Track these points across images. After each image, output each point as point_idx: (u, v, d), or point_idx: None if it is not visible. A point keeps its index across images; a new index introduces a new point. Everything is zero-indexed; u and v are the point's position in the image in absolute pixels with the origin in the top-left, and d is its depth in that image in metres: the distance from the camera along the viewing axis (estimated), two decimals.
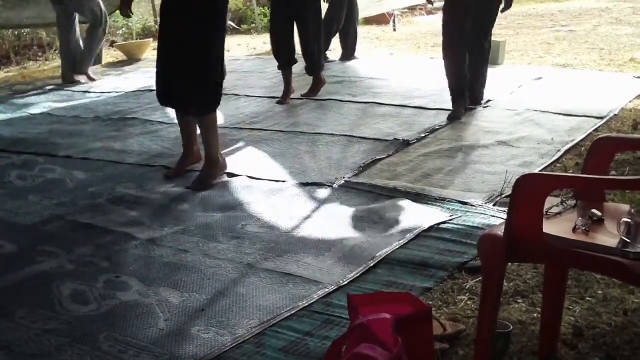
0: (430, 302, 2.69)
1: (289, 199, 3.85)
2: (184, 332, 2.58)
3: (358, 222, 3.49)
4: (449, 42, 5.36)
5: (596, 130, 4.82)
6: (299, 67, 6.20)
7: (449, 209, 3.58)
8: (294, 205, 3.76)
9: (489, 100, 5.66)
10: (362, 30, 9.22)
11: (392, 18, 10.65)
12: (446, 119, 5.28)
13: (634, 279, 1.91)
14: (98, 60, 7.65)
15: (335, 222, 3.51)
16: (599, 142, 2.31)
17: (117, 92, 6.91)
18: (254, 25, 11.25)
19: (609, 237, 1.94)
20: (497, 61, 6.95)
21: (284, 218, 3.58)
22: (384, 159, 4.42)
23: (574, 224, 2.01)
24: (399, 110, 5.62)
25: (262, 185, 4.07)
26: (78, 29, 7.41)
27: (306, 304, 2.73)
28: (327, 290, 2.83)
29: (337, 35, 7.83)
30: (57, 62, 8.20)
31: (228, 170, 4.23)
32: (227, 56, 8.73)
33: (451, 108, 5.39)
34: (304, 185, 4.02)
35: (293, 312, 2.68)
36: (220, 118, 4.29)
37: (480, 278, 2.35)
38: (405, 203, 3.66)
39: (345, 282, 2.89)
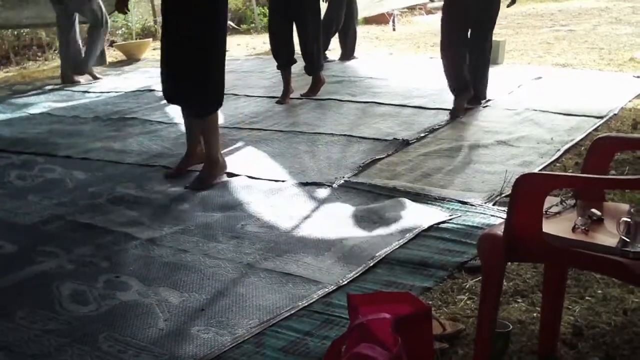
0: (430, 302, 2.69)
1: (288, 199, 3.85)
2: (183, 332, 2.58)
3: (357, 221, 3.50)
4: (448, 42, 5.36)
5: (596, 129, 4.82)
6: (298, 67, 6.20)
7: (448, 208, 3.58)
8: (294, 205, 3.76)
9: (488, 100, 5.67)
10: (361, 30, 9.23)
11: (392, 17, 10.65)
12: (448, 113, 5.31)
13: (633, 278, 1.91)
14: (102, 61, 7.63)
15: (334, 221, 3.51)
16: (599, 142, 2.31)
17: (116, 92, 6.91)
18: (253, 25, 11.25)
19: (608, 237, 1.94)
20: (496, 61, 6.95)
21: (284, 218, 3.58)
22: (383, 158, 4.42)
23: (574, 223, 2.01)
24: (398, 109, 5.62)
25: (262, 184, 4.07)
26: (78, 29, 7.41)
27: (306, 304, 2.73)
28: (326, 289, 2.83)
29: (337, 34, 7.83)
30: (57, 62, 8.20)
31: (227, 170, 4.23)
32: (227, 56, 8.77)
33: (451, 107, 5.40)
34: (303, 184, 4.02)
35: (292, 311, 2.68)
36: (220, 118, 4.28)
37: (480, 277, 2.35)
38: (404, 202, 3.66)
39: (345, 282, 2.89)
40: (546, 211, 2.07)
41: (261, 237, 3.37)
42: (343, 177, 4.09)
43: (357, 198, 3.80)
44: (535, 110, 5.39)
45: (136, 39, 9.97)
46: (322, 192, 3.91)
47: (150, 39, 9.79)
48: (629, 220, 1.90)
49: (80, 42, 7.43)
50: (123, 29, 10.37)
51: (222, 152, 4.26)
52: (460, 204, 3.62)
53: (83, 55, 7.47)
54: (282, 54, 6.02)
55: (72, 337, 2.57)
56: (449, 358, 2.36)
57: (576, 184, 2.32)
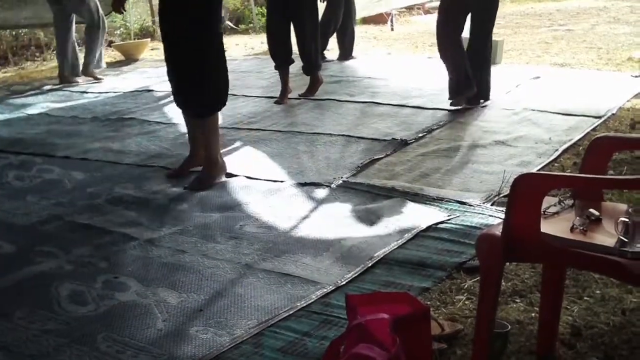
0: (428, 302, 2.69)
1: (286, 199, 3.85)
2: (182, 333, 2.58)
3: (356, 222, 3.50)
4: (450, 41, 5.37)
5: (594, 129, 4.82)
6: (296, 67, 6.20)
7: (446, 208, 3.58)
8: (292, 205, 3.76)
9: (486, 100, 5.66)
10: (359, 30, 9.22)
11: (390, 17, 10.65)
12: (449, 104, 5.43)
13: (631, 278, 1.91)
14: (98, 66, 7.62)
15: (333, 222, 3.51)
16: (597, 142, 2.31)
17: (114, 92, 6.91)
18: (251, 24, 11.25)
19: (606, 237, 1.94)
20: (494, 60, 6.92)
21: (282, 218, 3.58)
22: (381, 158, 4.42)
23: (572, 223, 2.01)
24: (396, 109, 5.62)
25: (260, 185, 4.07)
26: (74, 30, 7.41)
27: (304, 304, 2.73)
28: (325, 290, 2.83)
29: (335, 34, 7.83)
30: (55, 62, 8.20)
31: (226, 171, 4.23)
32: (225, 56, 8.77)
33: (448, 106, 5.42)
34: (301, 185, 4.02)
35: (291, 312, 2.68)
36: (219, 118, 4.28)
37: (478, 278, 2.35)
38: (403, 203, 3.66)
39: (343, 282, 2.89)
40: (544, 211, 2.07)
41: (260, 238, 3.37)
42: (341, 178, 4.09)
43: (355, 198, 3.80)
44: (534, 110, 5.39)
45: (134, 39, 9.96)
46: (321, 193, 3.91)
47: (149, 39, 9.78)
48: (627, 220, 1.90)
49: (76, 43, 7.43)
50: (121, 29, 10.37)
51: (221, 152, 4.26)
52: (458, 204, 3.62)
53: (79, 56, 7.47)
54: (279, 54, 6.02)
55: (70, 338, 2.57)
56: (448, 358, 2.36)
57: (574, 184, 2.32)
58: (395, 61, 7.86)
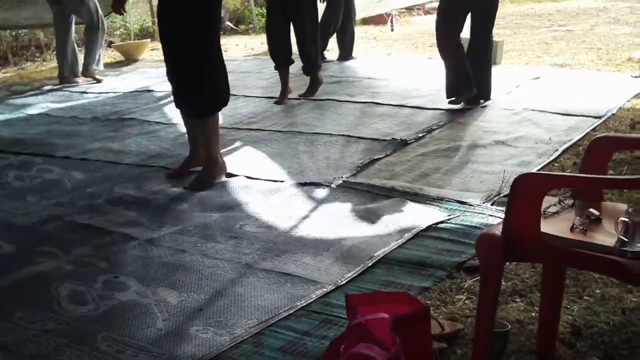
0: (428, 302, 2.69)
1: (286, 199, 3.85)
2: (182, 332, 2.58)
3: (356, 221, 3.50)
4: (449, 41, 5.38)
5: (594, 129, 4.82)
6: (295, 67, 6.20)
7: (446, 208, 3.59)
8: (292, 205, 3.76)
9: (487, 100, 5.66)
10: (359, 30, 9.23)
11: (390, 18, 10.65)
12: (447, 102, 5.47)
13: (631, 278, 1.91)
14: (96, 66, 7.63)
15: (333, 221, 3.51)
16: (597, 142, 2.31)
17: (114, 93, 6.91)
18: (251, 25, 11.25)
19: (606, 236, 1.94)
20: (494, 61, 6.91)
21: (282, 218, 3.59)
22: (381, 158, 4.42)
23: (572, 223, 2.01)
24: (396, 109, 5.62)
25: (260, 185, 4.07)
26: (74, 30, 7.41)
27: (304, 304, 2.73)
28: (325, 289, 2.83)
29: (335, 35, 7.83)
30: (55, 62, 8.20)
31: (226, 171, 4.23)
32: (225, 56, 8.77)
33: (447, 106, 5.43)
34: (301, 185, 4.02)
35: (291, 311, 2.68)
36: (219, 118, 4.28)
37: (478, 277, 2.35)
38: (403, 203, 3.66)
39: (343, 282, 2.89)
40: (544, 211, 2.07)
41: (260, 237, 3.37)
42: (341, 177, 4.09)
43: (355, 198, 3.80)
44: (534, 110, 5.39)
45: (134, 39, 9.97)
46: (321, 192, 3.91)
47: (149, 40, 9.79)
48: (627, 220, 1.90)
49: (75, 43, 7.43)
50: (121, 29, 10.38)
51: (221, 152, 4.26)
52: (458, 204, 3.63)
53: (78, 56, 7.47)
54: (279, 55, 6.02)
55: (70, 338, 2.57)
56: (448, 358, 2.36)
57: (574, 183, 2.32)
58: (395, 62, 7.86)
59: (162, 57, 4.17)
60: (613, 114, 5.19)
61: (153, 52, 9.29)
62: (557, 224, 2.04)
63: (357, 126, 5.18)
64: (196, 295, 2.85)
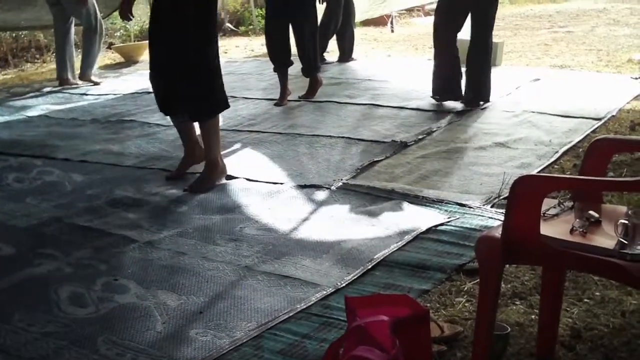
0: (428, 304, 2.69)
1: (286, 201, 3.85)
2: (181, 335, 2.58)
3: (356, 224, 3.50)
4: (445, 42, 5.42)
5: (594, 131, 4.82)
6: (295, 69, 6.20)
7: (446, 210, 3.59)
8: (292, 208, 3.76)
9: (486, 102, 5.66)
10: (359, 32, 9.23)
11: (390, 19, 10.65)
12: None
13: (631, 281, 1.91)
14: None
15: (332, 224, 3.51)
16: (597, 144, 2.31)
17: (114, 94, 6.91)
18: (251, 26, 11.24)
19: (606, 239, 1.94)
20: (494, 62, 6.91)
21: (282, 220, 3.58)
22: (381, 160, 4.42)
23: (571, 225, 2.01)
24: (396, 111, 5.62)
25: (260, 187, 4.07)
26: (73, 32, 7.41)
27: (304, 307, 2.73)
28: (324, 292, 2.83)
29: (334, 36, 7.83)
30: (55, 64, 8.20)
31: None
32: (225, 58, 8.77)
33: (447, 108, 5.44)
34: (301, 187, 4.02)
35: (291, 314, 2.68)
36: (219, 120, 4.28)
37: (478, 280, 2.35)
38: (402, 205, 3.66)
39: (343, 284, 2.89)
40: (544, 213, 2.07)
41: (259, 240, 3.37)
42: (341, 180, 4.09)
43: (355, 200, 3.80)
44: (533, 112, 5.40)
45: (134, 41, 9.97)
46: (321, 195, 3.91)
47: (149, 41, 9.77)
48: (626, 222, 1.90)
49: (73, 45, 7.43)
50: (121, 31, 10.37)
51: (221, 154, 4.25)
52: (458, 206, 3.63)
53: (76, 59, 7.47)
54: (278, 56, 6.02)
55: (70, 340, 2.57)
56: None
57: (574, 185, 2.32)
58: (395, 63, 7.86)
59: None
60: (613, 116, 5.19)
61: None
62: (557, 226, 2.03)
63: (357, 128, 5.18)
64: (196, 298, 2.84)
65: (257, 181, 4.16)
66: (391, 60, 8.12)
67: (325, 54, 7.83)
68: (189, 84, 3.96)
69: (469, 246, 3.10)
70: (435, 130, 5.02)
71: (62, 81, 7.40)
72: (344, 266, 3.05)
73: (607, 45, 8.27)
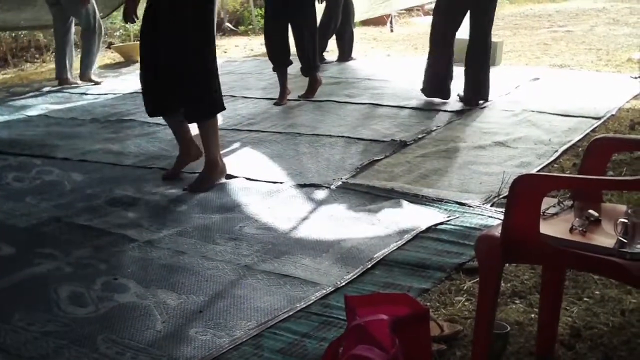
0: (428, 303, 2.69)
1: (286, 200, 3.85)
2: (181, 334, 2.58)
3: (355, 223, 3.50)
4: (442, 41, 5.46)
5: (593, 130, 4.83)
6: (294, 69, 6.20)
7: (446, 209, 3.59)
8: (292, 207, 3.76)
9: (486, 101, 5.67)
10: (359, 31, 9.23)
11: (389, 19, 10.65)
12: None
13: (631, 279, 1.91)
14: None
15: (332, 223, 3.51)
16: (596, 143, 2.31)
17: (114, 94, 6.91)
18: (251, 26, 11.24)
19: (606, 238, 1.94)
20: (494, 62, 6.93)
21: (282, 219, 3.58)
22: (381, 159, 4.42)
23: (571, 224, 2.01)
24: (396, 111, 5.62)
25: (260, 186, 4.07)
26: (73, 32, 7.41)
27: (303, 305, 2.73)
28: (324, 291, 2.83)
29: (334, 36, 7.83)
30: (54, 64, 8.20)
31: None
32: (224, 57, 8.77)
33: (447, 107, 5.44)
34: (301, 186, 4.02)
35: (290, 313, 2.68)
36: (218, 119, 4.28)
37: (478, 279, 2.35)
38: (402, 204, 3.66)
39: (343, 283, 2.89)
40: (544, 212, 2.07)
41: (259, 239, 3.37)
42: (341, 179, 4.09)
43: (355, 199, 3.80)
44: (533, 111, 5.40)
45: (134, 40, 9.95)
46: (320, 194, 3.91)
47: None
48: (626, 221, 1.90)
49: (73, 45, 7.43)
50: (121, 30, 10.37)
51: (220, 153, 4.25)
52: (457, 205, 3.63)
53: (75, 58, 7.47)
54: (277, 56, 6.01)
55: (70, 339, 2.57)
56: (447, 359, 2.36)
57: (574, 185, 2.32)
58: (395, 62, 7.87)
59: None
60: (612, 115, 5.20)
61: None
62: (557, 225, 2.03)
63: (357, 127, 5.18)
64: (195, 297, 2.85)
65: (256, 180, 4.16)
66: (391, 60, 8.12)
67: (324, 54, 7.83)
68: (187, 85, 3.96)
69: (468, 245, 3.10)
70: (434, 130, 5.03)
71: (62, 81, 7.40)
72: (344, 265, 3.05)
73: (607, 44, 8.27)
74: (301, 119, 5.53)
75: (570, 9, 11.90)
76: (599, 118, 5.10)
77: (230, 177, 4.21)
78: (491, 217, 3.44)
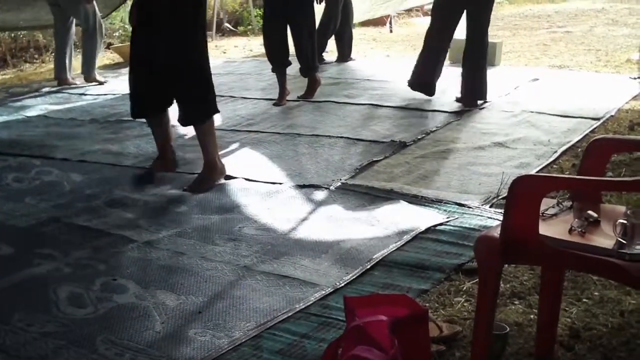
0: (427, 304, 2.69)
1: (285, 201, 3.85)
2: (180, 335, 2.58)
3: (355, 224, 3.50)
4: (437, 38, 5.51)
5: (592, 131, 4.83)
6: (294, 69, 6.20)
7: (445, 210, 3.59)
8: (291, 207, 3.76)
9: (485, 102, 5.67)
10: (358, 32, 9.22)
11: (389, 19, 10.65)
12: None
13: (630, 280, 1.91)
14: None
15: (331, 224, 3.51)
16: (595, 143, 2.31)
17: (113, 94, 6.89)
18: (250, 26, 11.24)
19: (605, 239, 1.94)
20: (493, 62, 6.96)
21: (281, 220, 3.58)
22: (380, 160, 4.42)
23: (570, 225, 2.01)
24: (395, 111, 5.63)
25: (259, 187, 4.07)
26: (73, 32, 7.41)
27: (303, 306, 2.73)
28: (323, 292, 2.83)
29: (333, 36, 7.83)
30: (53, 64, 8.20)
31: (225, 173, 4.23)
32: (224, 58, 8.77)
33: (446, 108, 5.45)
34: (300, 187, 4.02)
35: (290, 314, 2.68)
36: (217, 120, 4.28)
37: (477, 280, 2.35)
38: (401, 205, 3.66)
39: (342, 284, 2.89)
40: (543, 213, 2.07)
41: (258, 240, 3.37)
42: (340, 180, 4.09)
43: (354, 200, 3.80)
44: (532, 112, 5.40)
45: None
46: (320, 195, 3.91)
47: None
48: (625, 222, 1.90)
49: (72, 46, 7.43)
50: (120, 31, 10.36)
51: (219, 154, 4.25)
52: (457, 206, 3.63)
53: (74, 59, 7.46)
54: (276, 56, 6.01)
55: (69, 340, 2.56)
56: None
57: (573, 185, 2.32)
58: (394, 63, 7.86)
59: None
60: (612, 116, 5.20)
61: None
62: (556, 226, 2.04)
63: (356, 128, 5.18)
64: (195, 298, 2.84)
65: (256, 181, 4.16)
66: (390, 60, 8.12)
67: (324, 54, 7.83)
68: (188, 85, 3.96)
69: (467, 246, 3.10)
70: (434, 130, 5.03)
71: (61, 81, 7.39)
72: (343, 266, 3.05)
73: (606, 45, 8.27)
74: (300, 120, 5.53)
75: (570, 9, 11.90)
76: (598, 119, 5.10)
77: (229, 177, 4.21)
78: (490, 218, 3.44)
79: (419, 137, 4.85)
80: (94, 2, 7.20)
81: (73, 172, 4.51)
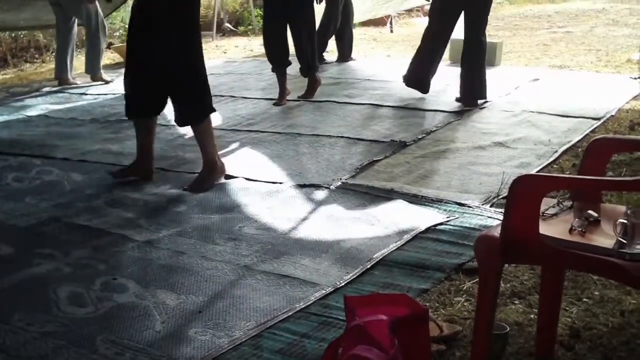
0: (427, 304, 2.69)
1: (285, 201, 3.85)
2: (180, 334, 2.58)
3: (355, 223, 3.50)
4: (435, 36, 5.53)
5: (593, 131, 4.83)
6: (294, 69, 6.20)
7: (445, 210, 3.59)
8: (291, 207, 3.76)
9: (485, 101, 5.67)
10: (358, 32, 9.22)
11: (389, 19, 10.65)
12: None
13: (630, 280, 1.91)
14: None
15: (332, 223, 3.51)
16: (596, 143, 2.31)
17: (113, 94, 6.89)
18: (250, 26, 11.24)
19: (605, 238, 1.94)
20: (493, 62, 6.96)
21: (281, 220, 3.58)
22: (380, 160, 4.42)
23: (570, 225, 2.01)
24: (395, 111, 5.63)
25: (259, 186, 4.07)
26: (75, 32, 7.41)
27: (303, 306, 2.73)
28: (323, 291, 2.83)
29: (333, 37, 7.83)
30: (54, 64, 8.20)
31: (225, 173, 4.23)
32: (224, 58, 8.77)
33: (446, 108, 5.44)
34: (301, 186, 4.02)
35: (290, 313, 2.68)
36: (217, 119, 4.28)
37: (477, 279, 2.35)
38: (402, 204, 3.66)
39: (342, 284, 2.89)
40: (543, 213, 2.07)
41: (258, 239, 3.37)
42: (340, 179, 4.09)
43: (354, 200, 3.80)
44: (533, 111, 5.41)
45: None
46: (320, 194, 3.91)
47: None
48: (625, 221, 1.90)
49: (74, 46, 7.43)
50: (120, 31, 10.37)
51: (219, 154, 4.25)
52: (457, 206, 3.63)
53: (76, 59, 7.46)
54: (276, 56, 6.01)
55: (69, 340, 2.56)
56: None
57: (573, 185, 2.32)
58: (395, 63, 7.85)
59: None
60: (612, 116, 5.20)
61: None
62: (556, 225, 2.04)
63: (356, 128, 5.18)
64: (195, 297, 2.84)
65: (256, 180, 4.16)
66: (390, 60, 8.12)
67: (324, 54, 7.83)
68: (187, 86, 3.97)
69: (468, 245, 3.10)
70: (434, 130, 5.03)
71: (61, 81, 7.39)
72: (343, 265, 3.05)
73: (606, 45, 8.27)
74: (301, 120, 5.53)
75: (570, 9, 11.91)
76: (598, 119, 5.10)
77: (229, 177, 4.21)
78: (491, 217, 3.44)
79: (419, 137, 4.85)
80: (97, 2, 7.20)
81: (73, 171, 4.51)
